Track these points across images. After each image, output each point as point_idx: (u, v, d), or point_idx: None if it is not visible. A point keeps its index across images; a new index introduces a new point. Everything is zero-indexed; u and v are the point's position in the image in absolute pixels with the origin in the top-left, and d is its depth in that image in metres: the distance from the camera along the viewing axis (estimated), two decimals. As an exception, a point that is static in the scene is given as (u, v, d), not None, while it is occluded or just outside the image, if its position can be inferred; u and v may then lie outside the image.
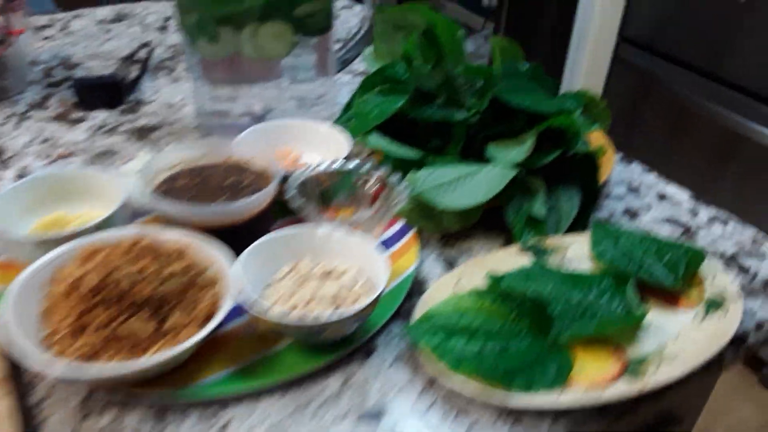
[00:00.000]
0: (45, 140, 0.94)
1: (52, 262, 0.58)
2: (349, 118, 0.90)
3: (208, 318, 0.56)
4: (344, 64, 1.00)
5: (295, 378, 0.57)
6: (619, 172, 0.89)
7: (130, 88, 1.08)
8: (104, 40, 1.28)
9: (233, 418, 0.54)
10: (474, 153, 0.80)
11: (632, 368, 0.57)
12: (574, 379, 0.56)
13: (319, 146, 0.84)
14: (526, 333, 0.60)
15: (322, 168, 0.73)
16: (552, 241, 0.72)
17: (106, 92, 1.02)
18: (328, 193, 0.74)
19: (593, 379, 0.56)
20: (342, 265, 0.64)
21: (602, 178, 0.82)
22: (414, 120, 0.85)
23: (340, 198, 0.75)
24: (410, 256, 0.72)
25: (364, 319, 0.57)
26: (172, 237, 0.64)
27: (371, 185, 0.74)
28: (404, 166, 0.77)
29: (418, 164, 0.77)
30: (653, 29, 1.93)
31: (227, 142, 0.76)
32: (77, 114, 1.01)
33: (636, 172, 0.89)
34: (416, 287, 0.68)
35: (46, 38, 1.29)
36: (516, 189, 0.75)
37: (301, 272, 0.63)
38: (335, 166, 0.74)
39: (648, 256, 0.69)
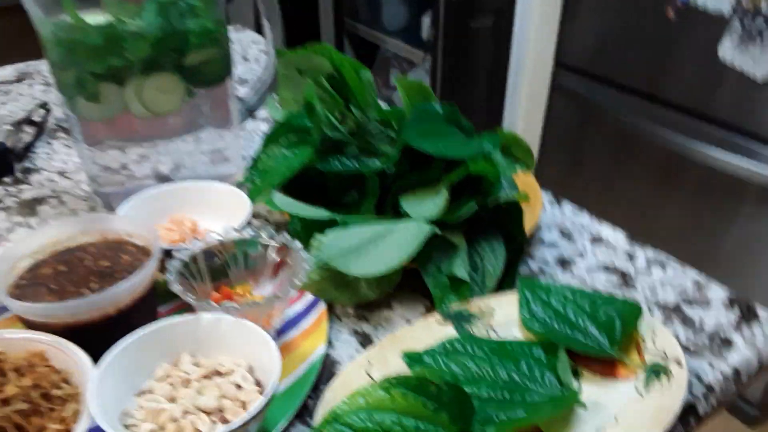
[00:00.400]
0: None
1: None
2: (253, 177, 0.81)
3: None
4: (249, 113, 0.91)
5: None
6: (550, 215, 0.82)
7: (22, 155, 0.98)
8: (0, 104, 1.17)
9: None
10: (391, 207, 0.72)
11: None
12: (501, 484, 0.48)
13: (219, 210, 0.75)
14: (445, 429, 0.51)
15: (213, 239, 0.64)
16: (477, 304, 0.64)
17: (-8, 163, 0.91)
18: (221, 267, 0.65)
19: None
20: (228, 363, 0.55)
21: (530, 224, 0.75)
22: (325, 174, 0.77)
23: (235, 272, 0.66)
24: (318, 336, 0.63)
25: (248, 432, 0.48)
26: (23, 344, 0.54)
27: (272, 255, 0.65)
28: (314, 228, 0.69)
29: (328, 225, 0.68)
30: (589, 54, 1.91)
31: (106, 216, 0.67)
32: (-45, 189, 0.90)
33: (567, 213, 0.83)
34: (328, 374, 0.60)
35: (-68, 100, 1.17)
36: (433, 248, 0.67)
37: (180, 374, 0.53)
38: (230, 235, 0.65)
39: (580, 316, 0.61)
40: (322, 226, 0.69)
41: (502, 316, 0.63)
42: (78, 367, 0.52)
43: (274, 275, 0.65)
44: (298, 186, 0.78)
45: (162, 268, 0.61)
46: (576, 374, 0.57)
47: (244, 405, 0.51)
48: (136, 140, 0.82)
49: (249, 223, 0.70)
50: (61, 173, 0.94)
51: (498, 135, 0.76)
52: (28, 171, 0.94)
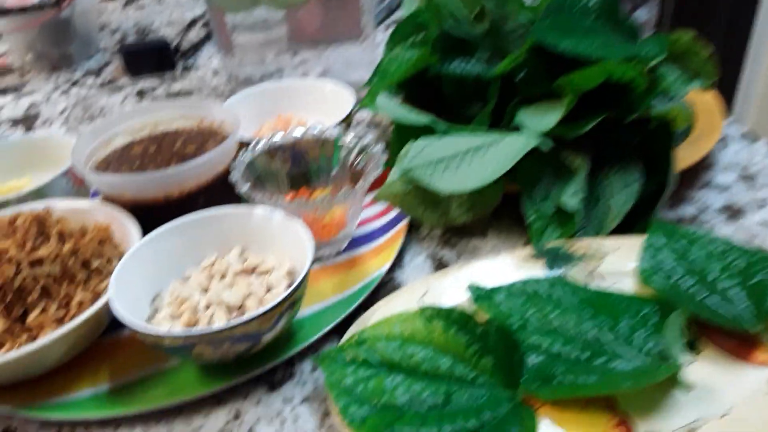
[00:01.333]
0: (81, 107, 0.91)
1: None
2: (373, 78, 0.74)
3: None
4: (388, 14, 0.83)
5: (173, 405, 0.44)
6: (732, 154, 0.62)
7: (186, 53, 1.02)
8: (190, 8, 1.24)
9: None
10: (509, 121, 0.60)
11: (631, 461, 0.36)
12: (538, 463, 0.37)
13: (335, 114, 0.70)
14: (486, 380, 0.41)
15: (292, 135, 0.59)
16: (584, 245, 0.50)
17: (154, 58, 0.97)
18: (302, 172, 0.60)
19: (565, 469, 0.36)
20: (271, 262, 0.50)
21: (694, 158, 0.57)
22: (448, 81, 0.67)
23: (316, 179, 0.60)
24: (388, 255, 0.55)
25: (254, 339, 0.43)
26: (90, 216, 0.54)
27: (355, 161, 0.58)
28: (410, 137, 0.60)
29: (427, 134, 0.59)
30: None
31: (207, 103, 0.65)
32: (125, 81, 0.97)
33: (760, 154, 0.62)
34: (383, 295, 0.52)
35: (139, 8, 1.29)
36: (543, 169, 0.54)
37: (221, 267, 0.50)
38: (311, 132, 0.59)
39: (726, 277, 0.45)
40: (419, 134, 0.59)
41: (614, 263, 0.49)
42: (131, 244, 0.51)
43: (353, 184, 0.58)
44: (419, 94, 0.69)
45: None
46: (693, 347, 0.42)
47: (269, 308, 0.46)
48: (270, 46, 0.80)
49: (346, 126, 0.64)
50: (215, 72, 0.96)
51: (666, 38, 0.58)
52: (187, 68, 0.98)
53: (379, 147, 0.55)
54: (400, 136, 0.61)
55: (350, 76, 0.80)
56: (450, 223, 0.57)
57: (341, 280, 0.53)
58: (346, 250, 0.57)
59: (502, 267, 0.50)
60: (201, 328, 0.41)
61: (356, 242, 0.57)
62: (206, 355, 0.42)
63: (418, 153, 0.55)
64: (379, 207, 0.61)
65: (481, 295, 0.47)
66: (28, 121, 0.89)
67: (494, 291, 0.47)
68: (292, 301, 0.43)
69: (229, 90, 0.87)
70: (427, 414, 0.39)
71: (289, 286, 0.47)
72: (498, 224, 0.58)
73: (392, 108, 0.62)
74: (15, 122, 0.90)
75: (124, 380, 0.46)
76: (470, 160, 0.54)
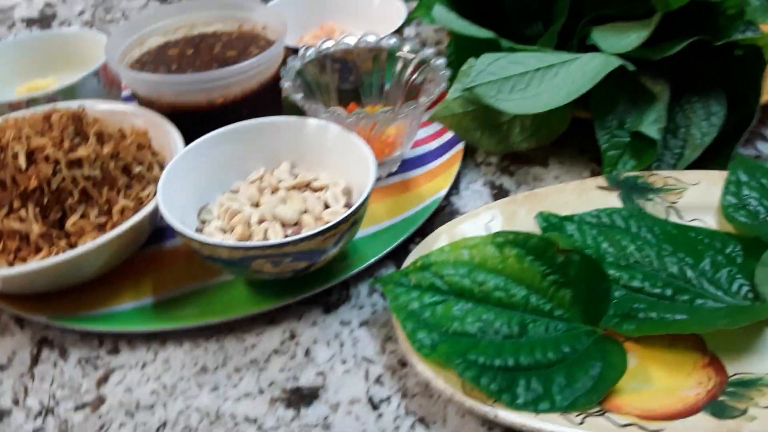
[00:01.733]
0: (103, 8, 0.85)
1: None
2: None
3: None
4: None
5: (223, 322, 0.42)
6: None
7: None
8: None
9: (119, 368, 0.40)
10: (579, 43, 0.56)
11: (726, 398, 0.33)
12: (623, 400, 0.34)
13: (380, 25, 0.65)
14: (563, 312, 0.38)
15: (345, 43, 0.54)
16: (663, 176, 0.47)
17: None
18: (352, 86, 0.55)
19: (652, 405, 0.34)
20: (325, 179, 0.46)
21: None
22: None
23: (368, 94, 0.55)
24: (444, 179, 0.51)
25: (314, 256, 0.40)
26: (127, 118, 0.50)
27: (411, 75, 0.53)
28: (471, 53, 0.55)
29: (490, 50, 0.54)
30: None
31: (247, 3, 0.60)
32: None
33: None
34: (442, 223, 0.49)
35: None
36: (620, 94, 0.50)
37: (272, 180, 0.46)
38: (365, 41, 0.54)
39: (819, 219, 0.42)
40: (481, 51, 0.55)
41: (694, 197, 0.46)
42: (172, 151, 0.47)
43: (407, 100, 0.54)
44: (474, 10, 0.64)
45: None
46: (783, 290, 0.39)
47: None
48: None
49: (398, 36, 0.59)
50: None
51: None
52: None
53: (441, 61, 0.50)
54: (459, 51, 0.57)
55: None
56: (509, 150, 0.54)
57: (394, 203, 0.50)
58: (397, 171, 0.53)
59: (572, 196, 0.47)
60: (262, 241, 0.38)
61: (408, 164, 0.54)
62: (264, 271, 0.40)
63: (483, 69, 0.51)
64: (432, 128, 0.57)
65: (551, 224, 0.44)
66: (44, 22, 0.84)
67: (565, 220, 0.44)
68: (355, 219, 0.40)
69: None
70: (502, 344, 0.37)
71: (347, 205, 0.44)
72: (560, 153, 0.54)
73: (451, 20, 0.57)
74: (30, 22, 0.84)
75: (168, 295, 0.43)
76: (540, 79, 0.50)
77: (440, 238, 0.44)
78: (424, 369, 0.36)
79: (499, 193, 0.51)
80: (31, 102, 0.52)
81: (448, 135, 0.56)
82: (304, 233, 0.37)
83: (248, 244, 0.37)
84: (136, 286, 0.44)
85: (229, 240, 0.41)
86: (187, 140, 0.48)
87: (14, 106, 0.51)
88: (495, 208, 0.46)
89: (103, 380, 0.40)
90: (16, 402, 0.39)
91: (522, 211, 0.46)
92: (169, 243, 0.48)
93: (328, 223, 0.42)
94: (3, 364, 0.41)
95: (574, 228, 0.44)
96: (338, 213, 0.43)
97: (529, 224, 0.45)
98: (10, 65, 0.61)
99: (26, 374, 0.40)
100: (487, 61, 0.51)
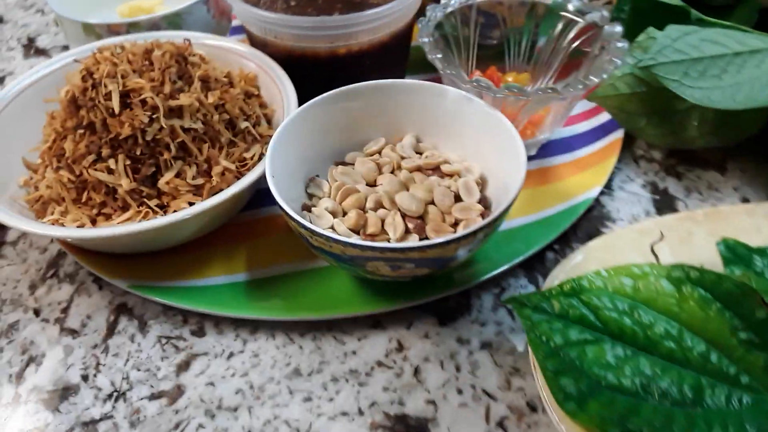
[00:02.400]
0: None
1: (66, 64, 0.43)
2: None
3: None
4: None
5: (324, 319, 0.36)
6: None
7: None
8: None
9: (203, 354, 0.35)
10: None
11: None
12: None
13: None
14: (752, 380, 0.30)
15: (495, -3, 0.45)
16: None
17: None
18: (497, 45, 0.47)
19: None
20: (457, 162, 0.38)
21: None
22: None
23: (514, 57, 0.47)
24: (597, 174, 0.43)
25: (441, 264, 0.32)
26: (235, 59, 0.44)
27: (572, 40, 0.44)
28: (650, 18, 0.45)
29: (676, 19, 0.44)
30: None
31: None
32: None
33: None
34: (590, 228, 0.40)
35: None
36: None
37: (393, 156, 0.39)
38: (518, -3, 0.45)
39: None
40: (663, 19, 0.45)
41: None
42: (283, 104, 0.40)
43: (565, 73, 0.45)
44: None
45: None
46: None
47: (455, 223, 0.35)
48: None
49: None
50: None
51: None
52: None
53: (618, 29, 0.41)
54: (635, 15, 0.46)
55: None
56: (680, 145, 0.44)
57: (531, 197, 0.42)
58: (536, 155, 0.45)
59: (763, 219, 0.37)
60: (382, 243, 0.31)
61: (550, 147, 0.45)
62: (379, 273, 0.33)
63: (668, 45, 0.41)
64: (582, 105, 0.48)
65: (737, 256, 0.35)
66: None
67: (757, 253, 0.35)
68: (495, 227, 0.33)
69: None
70: (671, 411, 0.29)
71: (482, 200, 0.36)
72: (743, 158, 0.44)
73: (626, -23, 0.47)
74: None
75: (264, 273, 0.38)
76: (740, 67, 0.40)
77: (590, 255, 0.36)
78: (568, 429, 0.28)
79: (662, 199, 0.42)
80: (132, 26, 0.46)
81: (603, 116, 0.47)
82: (435, 240, 0.30)
83: (366, 243, 0.30)
84: (228, 257, 0.39)
85: (341, 226, 0.35)
86: (300, 91, 0.41)
87: (113, 30, 0.46)
88: (665, 223, 0.37)
89: (185, 366, 0.35)
90: (85, 378, 0.34)
91: (700, 232, 0.37)
92: (267, 209, 0.42)
93: (460, 223, 0.35)
94: (76, 330, 0.37)
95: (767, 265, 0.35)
96: (472, 210, 0.35)
97: (708, 251, 0.36)
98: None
99: (100, 345, 0.36)
100: (674, 34, 0.41)
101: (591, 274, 0.33)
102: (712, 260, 0.35)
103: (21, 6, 0.64)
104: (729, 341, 0.30)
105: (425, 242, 0.30)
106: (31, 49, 0.59)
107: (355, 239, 0.34)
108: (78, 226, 0.36)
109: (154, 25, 0.46)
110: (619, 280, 0.33)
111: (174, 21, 0.47)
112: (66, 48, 0.58)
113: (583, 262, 0.35)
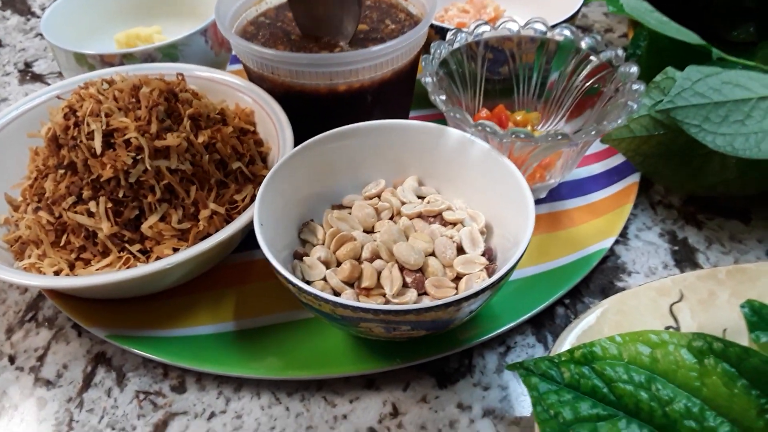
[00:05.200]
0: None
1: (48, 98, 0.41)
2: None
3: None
4: None
5: (311, 379, 0.33)
6: None
7: None
8: None
9: (182, 413, 0.33)
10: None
11: None
12: None
13: (543, 6, 0.53)
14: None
15: (506, 29, 0.43)
16: None
17: None
18: (505, 81, 0.44)
19: None
20: (460, 210, 0.36)
21: None
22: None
23: (523, 93, 0.44)
24: (610, 221, 0.40)
25: (439, 326, 0.30)
26: (231, 94, 0.42)
27: (585, 78, 0.42)
28: (668, 57, 0.43)
29: (695, 58, 0.41)
30: None
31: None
32: None
33: None
34: (602, 282, 0.38)
35: None
36: None
37: (394, 201, 0.36)
38: (531, 29, 0.43)
39: None
40: (682, 58, 0.42)
41: None
42: (279, 142, 0.38)
43: (575, 113, 0.43)
44: (665, 4, 0.51)
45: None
46: None
47: (456, 278, 0.33)
48: None
49: (572, 25, 0.47)
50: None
51: None
52: None
53: (634, 69, 0.38)
54: (651, 54, 0.44)
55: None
56: (700, 192, 0.41)
57: (540, 243, 0.39)
58: (546, 198, 0.42)
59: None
60: (374, 304, 0.28)
61: (562, 189, 0.43)
62: (372, 333, 0.30)
63: (687, 87, 0.38)
64: (597, 145, 0.46)
65: (762, 319, 0.32)
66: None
67: (784, 319, 0.32)
68: (501, 285, 0.30)
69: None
70: (690, 505, 0.26)
71: (486, 253, 0.34)
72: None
73: (645, 11, 0.45)
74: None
75: (254, 322, 0.35)
76: (765, 112, 0.37)
77: (604, 316, 0.33)
78: None
79: (681, 250, 0.39)
80: (126, 58, 0.44)
81: (619, 157, 0.44)
82: (432, 302, 0.27)
83: (358, 304, 0.28)
84: (216, 304, 0.36)
85: (334, 279, 0.32)
86: (299, 128, 0.39)
87: (107, 61, 0.44)
88: (684, 282, 0.34)
89: (162, 427, 0.32)
90: (57, 436, 0.32)
91: (724, 293, 0.34)
92: (259, 253, 0.39)
93: (462, 279, 0.32)
94: (51, 380, 0.34)
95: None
96: (475, 264, 0.33)
97: (731, 313, 0.33)
98: (117, 3, 0.53)
99: (74, 399, 0.33)
100: (694, 76, 0.38)
101: (604, 340, 0.30)
102: (736, 324, 0.33)
103: (20, 29, 0.63)
104: (756, 423, 0.27)
105: (422, 305, 0.27)
106: (28, 74, 0.57)
107: (346, 298, 0.31)
108: (55, 272, 0.34)
109: (149, 56, 0.44)
110: (635, 348, 0.30)
111: (170, 52, 0.45)
112: (62, 75, 0.56)
113: (596, 323, 0.33)
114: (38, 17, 0.65)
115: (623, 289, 0.37)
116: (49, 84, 0.56)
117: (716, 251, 0.39)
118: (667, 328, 0.33)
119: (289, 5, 0.43)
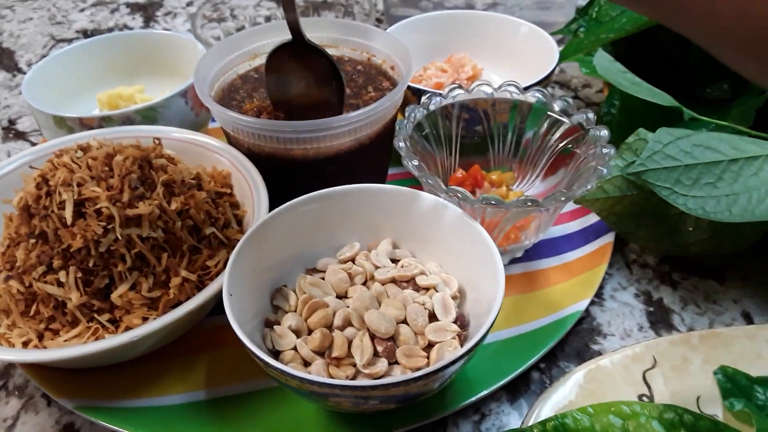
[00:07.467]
0: (210, 5, 0.78)
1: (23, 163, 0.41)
2: (579, 27, 0.56)
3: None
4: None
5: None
6: None
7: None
8: None
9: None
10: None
11: None
12: None
13: (520, 64, 0.54)
14: None
15: (480, 92, 0.43)
16: None
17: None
18: (480, 141, 0.45)
19: None
20: (433, 275, 0.36)
21: None
22: (684, 48, 0.50)
23: (498, 152, 0.45)
24: (585, 282, 0.40)
25: (408, 400, 0.30)
26: (208, 156, 0.42)
27: (558, 140, 0.42)
28: (639, 119, 0.44)
29: (666, 120, 0.42)
30: None
31: (369, 29, 0.50)
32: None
33: None
34: (577, 345, 0.37)
35: None
36: None
37: (367, 265, 0.36)
38: (504, 91, 0.43)
39: None
40: (654, 118, 0.43)
41: None
42: (254, 205, 0.38)
43: (550, 171, 0.43)
44: (640, 59, 0.52)
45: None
46: None
47: (428, 346, 0.33)
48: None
49: (545, 86, 0.48)
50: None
51: None
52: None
53: (604, 133, 0.39)
54: (626, 114, 0.45)
55: (540, 16, 0.62)
56: (675, 251, 0.42)
57: (515, 305, 0.39)
58: (521, 258, 0.42)
59: (764, 345, 0.34)
60: (341, 381, 0.28)
61: (537, 249, 0.43)
62: (341, 407, 0.30)
63: (658, 150, 0.39)
64: (571, 204, 0.46)
65: (738, 387, 0.32)
66: (148, 11, 0.78)
67: (758, 383, 0.32)
68: (472, 356, 0.30)
69: (383, 11, 0.72)
70: None
71: (459, 319, 0.34)
72: (745, 266, 0.41)
73: (617, 73, 0.45)
74: (134, 8, 0.79)
75: (226, 390, 0.35)
76: (736, 175, 0.38)
77: (577, 386, 0.33)
78: None
79: (657, 311, 0.39)
80: (105, 120, 0.44)
81: (593, 217, 0.45)
82: (400, 377, 0.27)
83: (324, 381, 0.27)
84: (187, 371, 0.36)
85: (304, 348, 0.32)
86: (276, 191, 0.39)
87: (85, 123, 0.44)
88: (657, 348, 0.34)
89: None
90: None
91: (697, 359, 0.34)
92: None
93: (434, 347, 0.32)
94: (18, 455, 0.34)
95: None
96: (447, 331, 0.32)
97: (705, 380, 0.33)
98: (101, 62, 0.54)
99: (40, 476, 0.33)
100: (665, 139, 0.39)
101: (576, 412, 0.30)
102: (709, 390, 0.32)
103: (6, 86, 0.64)
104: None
105: (389, 380, 0.27)
106: (11, 132, 0.57)
107: (316, 368, 0.31)
108: (24, 343, 0.33)
109: (127, 119, 0.45)
110: (607, 420, 0.30)
111: (149, 115, 0.46)
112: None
113: (569, 392, 0.32)
114: (24, 73, 0.66)
115: (598, 352, 0.37)
116: (32, 142, 0.57)
117: (691, 312, 0.39)
118: (641, 396, 0.33)
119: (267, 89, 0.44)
